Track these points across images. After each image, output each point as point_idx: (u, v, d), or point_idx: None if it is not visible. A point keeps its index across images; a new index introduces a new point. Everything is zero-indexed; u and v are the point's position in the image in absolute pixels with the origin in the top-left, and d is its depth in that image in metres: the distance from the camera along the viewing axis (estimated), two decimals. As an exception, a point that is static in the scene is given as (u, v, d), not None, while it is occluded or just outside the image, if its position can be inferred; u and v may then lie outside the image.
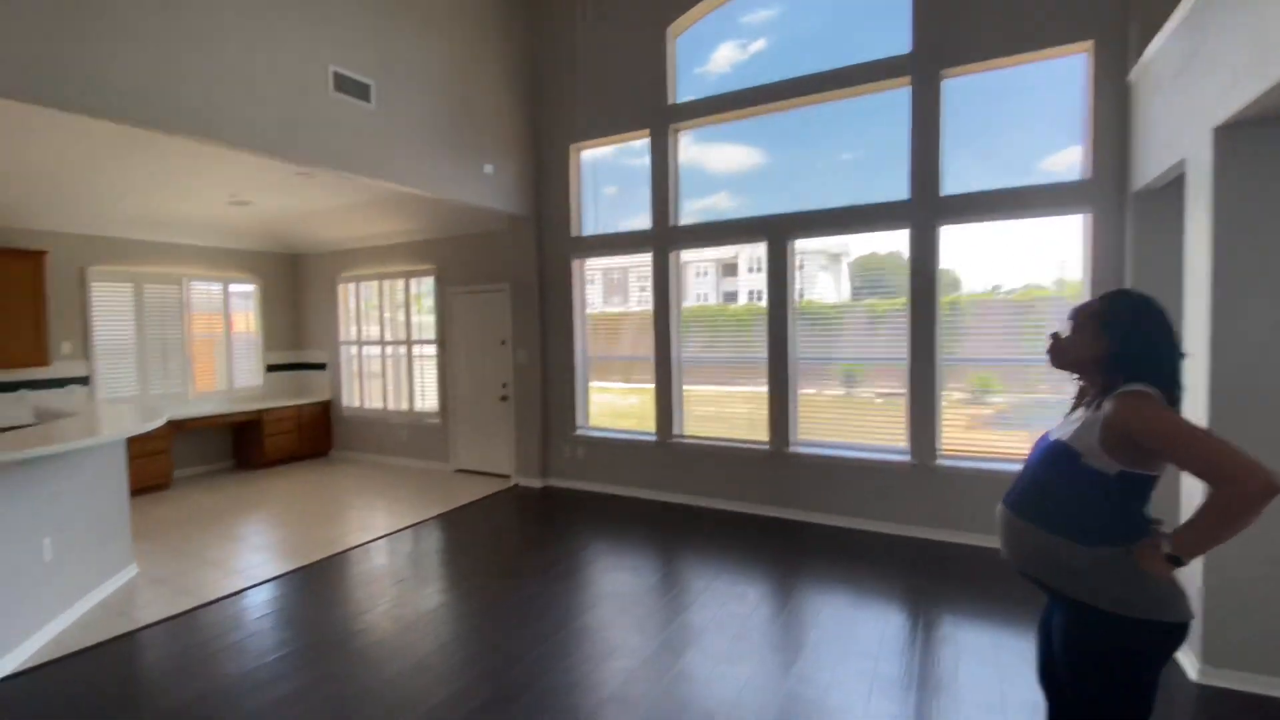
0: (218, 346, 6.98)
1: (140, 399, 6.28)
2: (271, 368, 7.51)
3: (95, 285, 5.98)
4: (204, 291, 6.84)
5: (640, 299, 5.85)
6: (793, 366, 4.94)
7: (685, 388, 5.52)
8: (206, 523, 5.05)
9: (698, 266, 5.69)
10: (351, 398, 7.49)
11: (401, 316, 7.04)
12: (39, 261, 5.41)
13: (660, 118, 5.36)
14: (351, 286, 7.40)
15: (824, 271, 5.13)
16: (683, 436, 5.48)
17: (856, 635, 3.08)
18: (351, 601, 3.58)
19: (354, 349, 7.45)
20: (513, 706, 2.52)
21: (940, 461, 4.39)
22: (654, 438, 5.55)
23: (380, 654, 2.98)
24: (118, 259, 6.17)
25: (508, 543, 4.63)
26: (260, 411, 6.82)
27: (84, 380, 5.90)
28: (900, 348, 4.53)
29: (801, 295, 4.98)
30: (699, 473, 5.34)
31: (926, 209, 4.37)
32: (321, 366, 7.63)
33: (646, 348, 5.59)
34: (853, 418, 4.94)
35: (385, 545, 4.49)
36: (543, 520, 5.12)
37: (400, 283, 7.02)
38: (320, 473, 6.79)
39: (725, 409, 5.42)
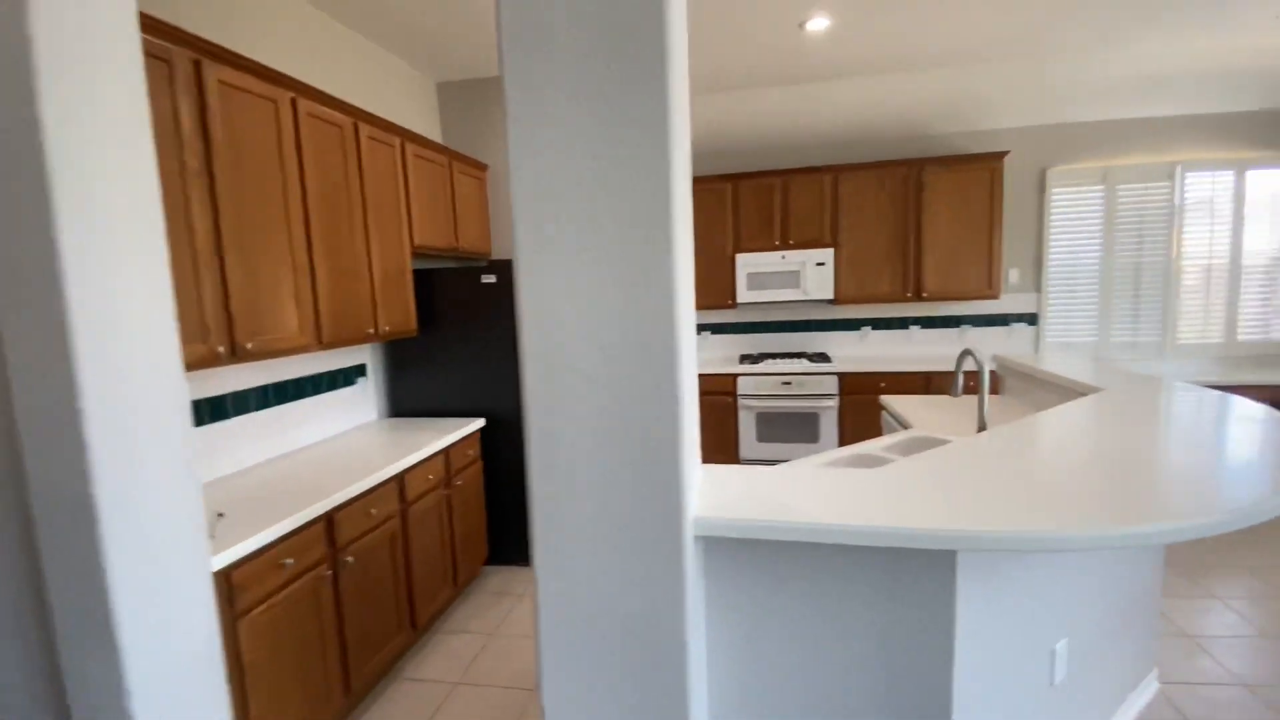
0: (1215, 272, 4.45)
1: (1095, 347, 4.58)
2: (1305, 307, 4.41)
3: (1054, 191, 4.51)
4: (1205, 183, 4.37)
5: None
6: None
7: None
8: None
9: None
10: None
11: None
12: (996, 167, 4.30)
13: None
14: None
15: None
16: None
17: None
18: None
19: None
20: None
21: None
22: None
23: None
24: (1084, 152, 4.48)
25: None
26: (1290, 384, 3.96)
27: (1031, 319, 4.63)
28: None
29: None
30: None
31: None
32: None
33: None
34: None
35: None
36: None
37: None
38: None
39: None
